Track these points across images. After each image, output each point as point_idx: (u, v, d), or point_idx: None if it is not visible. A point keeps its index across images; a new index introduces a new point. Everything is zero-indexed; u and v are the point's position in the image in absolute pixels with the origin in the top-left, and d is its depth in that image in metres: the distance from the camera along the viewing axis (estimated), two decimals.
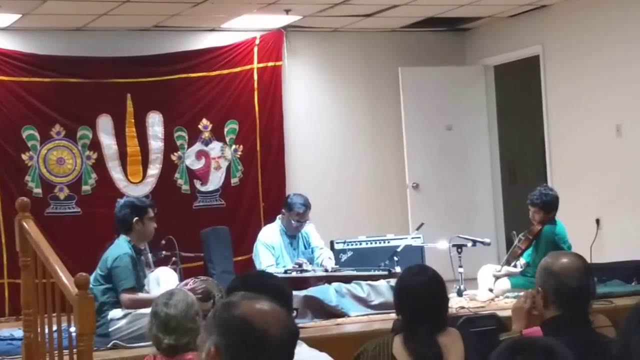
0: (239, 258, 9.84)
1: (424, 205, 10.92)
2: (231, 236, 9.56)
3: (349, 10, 9.96)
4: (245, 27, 10.50)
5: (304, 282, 7.64)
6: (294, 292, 5.36)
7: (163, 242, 8.34)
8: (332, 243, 9.00)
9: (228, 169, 10.60)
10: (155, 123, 10.30)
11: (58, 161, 9.94)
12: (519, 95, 12.31)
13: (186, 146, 10.44)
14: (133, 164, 10.20)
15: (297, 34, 10.84)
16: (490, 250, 9.84)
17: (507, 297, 7.92)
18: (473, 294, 8.15)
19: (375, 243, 9.21)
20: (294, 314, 3.49)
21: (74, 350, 5.35)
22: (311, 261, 8.13)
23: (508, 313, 3.99)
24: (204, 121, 10.51)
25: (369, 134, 11.26)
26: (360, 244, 9.18)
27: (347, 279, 7.74)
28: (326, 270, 7.93)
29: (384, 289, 7.56)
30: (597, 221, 9.87)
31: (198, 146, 10.50)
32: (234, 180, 10.62)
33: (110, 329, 6.66)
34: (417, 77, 11.14)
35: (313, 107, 11.09)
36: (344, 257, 8.96)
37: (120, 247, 6.83)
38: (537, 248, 8.09)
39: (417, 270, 4.12)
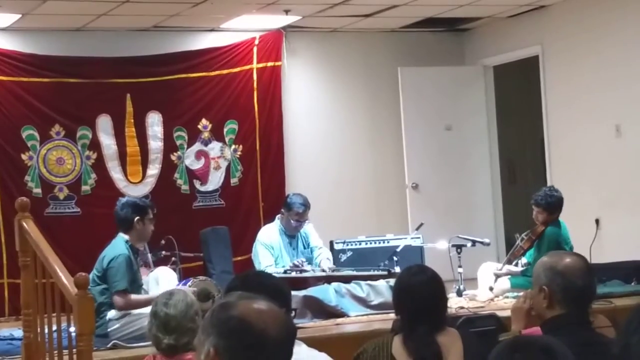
0: (239, 258, 9.85)
1: (423, 205, 10.92)
2: (230, 236, 9.58)
3: (349, 10, 9.96)
4: (244, 28, 10.49)
5: (303, 282, 7.64)
6: (294, 292, 5.38)
7: (162, 242, 8.35)
8: (331, 243, 9.00)
9: (227, 169, 10.60)
10: (154, 123, 10.30)
11: (58, 161, 9.94)
12: (518, 95, 12.31)
13: (186, 146, 10.44)
14: (133, 164, 10.20)
15: (297, 34, 10.84)
16: (490, 250, 9.83)
17: (507, 297, 7.92)
18: (473, 294, 8.15)
19: (375, 243, 9.20)
20: (293, 314, 3.50)
21: (74, 350, 5.35)
22: (310, 261, 8.13)
23: (508, 313, 3.99)
24: (204, 121, 10.51)
25: (369, 134, 11.25)
26: (360, 244, 9.17)
27: (346, 279, 7.75)
28: (324, 271, 7.93)
29: (383, 289, 7.56)
30: (597, 221, 9.87)
31: (197, 146, 10.50)
32: (234, 180, 10.62)
33: (109, 329, 6.67)
34: (417, 77, 11.13)
35: (312, 107, 11.09)
36: (343, 257, 8.96)
37: (116, 248, 6.81)
38: (540, 248, 8.07)
39: (416, 270, 4.13)
